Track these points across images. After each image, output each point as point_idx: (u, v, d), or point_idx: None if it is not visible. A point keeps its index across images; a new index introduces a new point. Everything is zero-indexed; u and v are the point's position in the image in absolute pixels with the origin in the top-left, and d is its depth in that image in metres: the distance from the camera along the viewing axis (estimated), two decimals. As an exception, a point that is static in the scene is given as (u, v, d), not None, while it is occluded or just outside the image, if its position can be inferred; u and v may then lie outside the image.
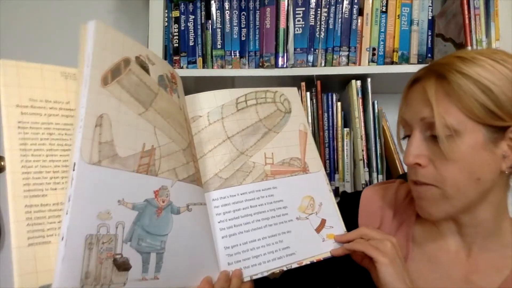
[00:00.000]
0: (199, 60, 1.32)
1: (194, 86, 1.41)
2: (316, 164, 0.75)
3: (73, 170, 0.44)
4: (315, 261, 0.66)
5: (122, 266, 0.46)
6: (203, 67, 1.32)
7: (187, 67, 1.32)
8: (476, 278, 0.62)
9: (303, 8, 1.28)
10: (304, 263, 0.65)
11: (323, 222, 0.70)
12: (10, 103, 0.48)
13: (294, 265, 0.65)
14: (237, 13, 1.31)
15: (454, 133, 0.55)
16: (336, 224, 0.71)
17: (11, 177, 0.44)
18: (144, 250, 0.48)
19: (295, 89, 0.80)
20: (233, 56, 1.31)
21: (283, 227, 0.67)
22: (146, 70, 0.56)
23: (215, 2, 1.31)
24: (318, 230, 0.69)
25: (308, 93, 1.27)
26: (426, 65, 0.63)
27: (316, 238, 0.69)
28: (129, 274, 0.46)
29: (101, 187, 0.46)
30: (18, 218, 0.43)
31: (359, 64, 1.28)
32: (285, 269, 0.64)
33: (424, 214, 0.62)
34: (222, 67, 1.31)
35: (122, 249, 0.46)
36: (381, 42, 1.28)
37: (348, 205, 0.76)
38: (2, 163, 0.45)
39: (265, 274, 0.63)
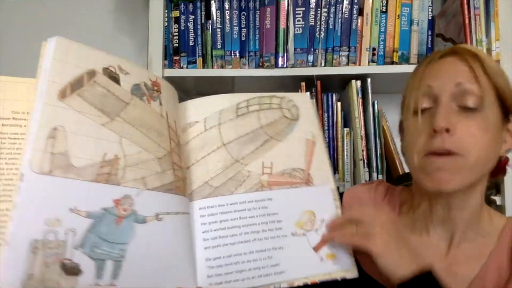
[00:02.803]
0: (199, 60, 1.32)
1: (194, 86, 1.41)
2: (323, 177, 0.68)
3: (21, 180, 0.46)
4: (309, 283, 0.61)
5: (72, 270, 0.47)
6: (203, 67, 1.31)
7: (187, 67, 1.31)
8: (457, 269, 0.63)
9: (303, 8, 1.28)
10: (296, 284, 0.60)
11: (323, 240, 0.63)
12: None
13: (284, 285, 0.60)
14: (237, 13, 1.31)
15: (487, 105, 0.60)
16: (339, 245, 0.63)
17: None
18: (98, 257, 0.49)
19: (307, 94, 0.75)
20: (233, 56, 1.31)
21: (274, 243, 0.61)
22: (116, 80, 0.57)
23: (215, 2, 1.31)
24: (316, 248, 0.63)
25: (308, 93, 1.27)
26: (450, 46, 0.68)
27: (313, 258, 0.62)
28: (80, 279, 0.48)
29: (51, 195, 0.48)
30: None
31: (359, 64, 1.27)
32: None
33: (440, 186, 0.60)
34: (222, 67, 1.30)
35: (72, 254, 0.48)
36: (381, 42, 1.27)
37: None
38: None
39: None
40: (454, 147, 0.58)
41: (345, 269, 0.62)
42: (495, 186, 1.18)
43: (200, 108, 0.67)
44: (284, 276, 0.60)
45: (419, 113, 0.62)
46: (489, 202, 0.74)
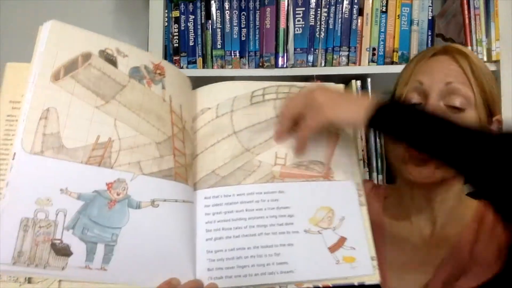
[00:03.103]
0: (199, 60, 1.31)
1: (194, 86, 1.41)
2: (347, 171, 0.62)
3: (13, 159, 0.47)
4: (320, 286, 0.55)
5: (61, 251, 0.48)
6: (203, 67, 1.31)
7: (187, 67, 1.31)
8: (438, 251, 0.64)
9: (303, 8, 1.27)
10: (305, 286, 0.54)
11: (341, 240, 0.57)
12: (4, 100, 0.54)
13: (291, 286, 0.54)
14: (237, 13, 1.31)
15: (475, 104, 0.62)
16: (360, 246, 0.57)
17: None
18: (89, 239, 0.49)
19: (329, 84, 0.69)
20: (233, 56, 1.30)
21: (284, 238, 0.56)
22: (113, 62, 0.57)
23: (215, 2, 1.30)
24: (332, 249, 0.56)
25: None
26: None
27: (328, 259, 0.56)
28: (70, 260, 0.48)
29: (42, 175, 0.49)
30: None
31: (359, 64, 1.27)
32: None
33: (422, 178, 0.62)
34: (222, 67, 1.30)
35: (62, 235, 0.48)
36: (381, 42, 1.27)
37: None
38: None
39: None
40: None
41: (365, 274, 0.56)
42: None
43: (213, 94, 0.65)
44: (292, 276, 0.55)
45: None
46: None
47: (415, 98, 0.65)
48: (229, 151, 0.61)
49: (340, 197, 0.60)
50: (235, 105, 0.63)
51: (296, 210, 0.58)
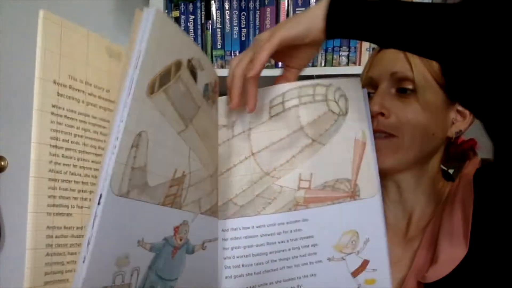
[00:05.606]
0: (199, 60, 1.32)
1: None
2: (372, 187, 0.55)
3: (98, 203, 0.34)
4: None
5: None
6: (203, 67, 1.32)
7: (187, 67, 1.31)
8: (414, 244, 0.63)
9: (303, 8, 1.27)
10: None
11: (364, 264, 0.54)
12: (46, 76, 0.36)
13: None
14: (237, 13, 1.30)
15: (422, 88, 0.60)
16: (381, 267, 0.54)
17: (35, 184, 0.34)
18: None
19: (357, 79, 0.59)
20: (233, 56, 1.31)
21: (306, 270, 0.53)
22: (195, 76, 0.46)
23: (215, 2, 1.30)
24: (355, 273, 0.54)
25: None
26: None
27: (350, 283, 0.53)
28: None
29: (124, 225, 0.37)
30: (37, 245, 0.34)
31: (359, 64, 1.26)
32: None
33: (380, 165, 0.60)
34: (222, 67, 1.29)
35: None
36: (381, 42, 1.28)
37: None
38: (2, 163, 0.39)
39: None
40: (388, 129, 0.60)
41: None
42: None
43: (229, 109, 0.54)
44: None
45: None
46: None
47: (369, 89, 0.65)
48: (247, 176, 0.53)
49: (365, 218, 0.55)
50: (253, 122, 0.55)
51: (320, 238, 0.54)
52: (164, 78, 0.40)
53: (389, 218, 0.65)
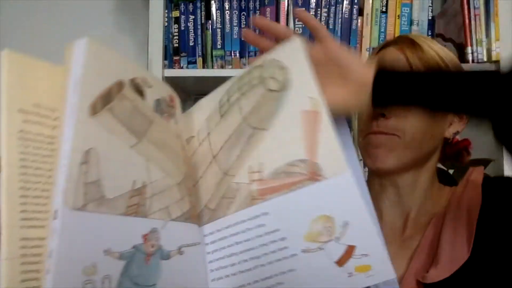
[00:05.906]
0: (199, 60, 1.30)
1: (194, 86, 1.41)
2: (338, 164, 0.45)
3: (54, 218, 0.37)
4: None
5: None
6: (203, 67, 1.29)
7: (187, 67, 1.29)
8: (411, 243, 0.64)
9: (303, 8, 1.27)
10: None
11: (350, 250, 0.46)
12: (11, 108, 0.39)
13: None
14: (237, 13, 1.30)
15: None
16: (374, 251, 0.46)
17: (7, 201, 0.36)
18: None
19: (297, 41, 0.50)
20: (233, 56, 1.29)
21: (281, 266, 0.48)
22: (142, 94, 0.49)
23: (215, 2, 1.29)
24: (340, 262, 0.47)
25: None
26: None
27: (338, 274, 0.46)
28: None
29: (86, 236, 0.39)
30: (11, 255, 0.36)
31: (359, 64, 1.27)
32: None
33: (377, 163, 0.61)
34: (222, 67, 1.29)
35: None
36: (381, 42, 1.28)
37: None
38: None
39: None
40: (389, 130, 0.60)
41: (385, 280, 0.47)
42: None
43: (193, 120, 0.57)
44: None
45: None
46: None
47: None
48: (213, 179, 0.53)
49: (336, 200, 0.46)
50: (210, 126, 0.55)
51: (286, 231, 0.48)
52: (106, 98, 0.44)
53: (386, 216, 0.66)
